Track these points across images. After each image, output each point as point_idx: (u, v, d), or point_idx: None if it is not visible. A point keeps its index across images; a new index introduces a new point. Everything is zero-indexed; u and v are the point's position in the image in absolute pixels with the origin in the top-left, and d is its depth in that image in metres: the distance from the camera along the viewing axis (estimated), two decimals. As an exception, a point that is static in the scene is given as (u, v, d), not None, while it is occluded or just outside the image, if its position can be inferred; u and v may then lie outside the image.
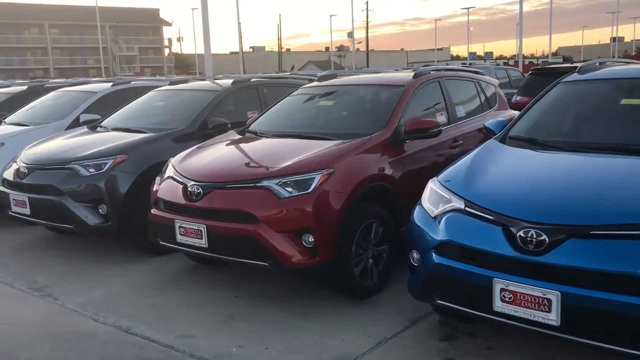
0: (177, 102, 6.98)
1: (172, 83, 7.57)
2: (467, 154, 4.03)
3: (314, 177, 4.18)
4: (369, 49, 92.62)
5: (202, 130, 6.24)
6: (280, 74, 8.48)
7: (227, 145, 5.19)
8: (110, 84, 8.48)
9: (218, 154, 4.93)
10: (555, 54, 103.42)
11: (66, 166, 5.57)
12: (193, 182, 4.44)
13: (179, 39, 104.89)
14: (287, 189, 4.16)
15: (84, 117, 7.58)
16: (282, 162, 4.37)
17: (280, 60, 74.56)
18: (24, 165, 5.80)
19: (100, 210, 5.44)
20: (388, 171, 4.63)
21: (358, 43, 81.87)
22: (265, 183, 4.20)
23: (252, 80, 7.15)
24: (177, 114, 6.66)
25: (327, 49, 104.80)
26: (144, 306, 4.55)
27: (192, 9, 63.75)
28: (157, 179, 5.00)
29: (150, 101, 7.12)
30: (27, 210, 5.65)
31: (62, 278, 5.25)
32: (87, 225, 5.44)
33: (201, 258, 4.97)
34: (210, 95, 6.65)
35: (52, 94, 8.69)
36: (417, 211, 3.64)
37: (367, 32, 72.83)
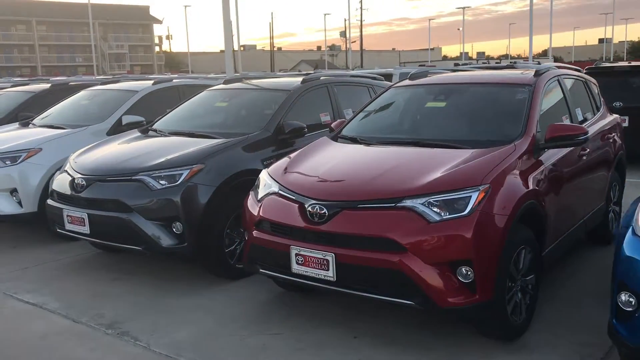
0: (243, 103, 6.20)
1: (226, 82, 6.78)
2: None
3: (470, 196, 3.44)
4: (365, 48, 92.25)
5: (277, 135, 5.48)
6: (340, 72, 7.64)
7: (337, 153, 4.45)
8: (151, 82, 7.66)
9: (333, 163, 4.20)
10: (544, 54, 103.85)
11: (133, 178, 4.75)
12: (313, 201, 3.70)
13: (168, 37, 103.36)
14: (435, 209, 3.42)
15: (126, 119, 6.79)
16: (422, 176, 3.64)
17: (272, 59, 73.74)
18: (81, 176, 4.97)
19: (174, 229, 4.65)
20: (537, 186, 3.91)
21: (353, 42, 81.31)
22: (407, 203, 3.47)
23: (322, 77, 6.38)
24: (245, 117, 5.89)
25: (319, 48, 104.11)
26: (249, 350, 3.77)
27: (185, 6, 62.72)
28: (252, 193, 4.24)
29: (210, 102, 6.33)
30: (85, 229, 4.84)
31: (132, 310, 4.45)
32: (160, 247, 4.64)
33: (292, 285, 4.33)
34: (282, 95, 5.88)
35: (84, 93, 7.84)
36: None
37: (361, 32, 71.90)
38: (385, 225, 3.44)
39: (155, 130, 5.98)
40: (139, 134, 5.94)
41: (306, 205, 3.70)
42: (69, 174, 5.15)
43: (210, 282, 4.94)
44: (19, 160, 6.06)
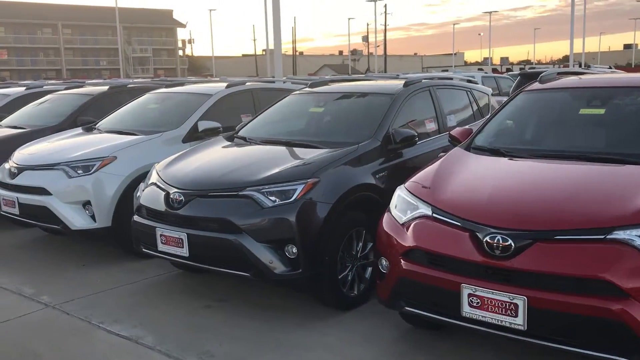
0: (342, 109, 5.60)
1: (313, 85, 6.15)
2: (433, 162, 4.03)
3: None
4: (376, 54, 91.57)
5: (386, 145, 4.86)
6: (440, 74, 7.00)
7: (493, 169, 3.85)
8: (224, 85, 7.08)
9: (495, 182, 3.59)
10: (565, 60, 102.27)
11: (240, 193, 4.15)
12: (493, 230, 3.05)
13: (189, 41, 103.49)
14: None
15: (203, 125, 6.21)
16: (624, 202, 3.01)
17: (294, 64, 73.32)
18: (177, 190, 4.38)
19: (287, 254, 4.03)
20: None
21: (377, 47, 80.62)
22: (620, 235, 2.82)
23: (424, 80, 5.75)
24: (349, 123, 5.27)
25: (340, 52, 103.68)
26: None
27: (210, 10, 62.61)
28: (390, 215, 3.62)
29: (302, 107, 5.73)
30: (183, 251, 4.24)
31: (242, 348, 3.84)
32: (272, 273, 4.02)
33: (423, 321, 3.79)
34: (386, 100, 5.26)
35: (151, 96, 7.28)
36: (385, 218, 3.67)
37: (385, 36, 71.24)
38: (595, 263, 2.79)
39: (243, 139, 5.39)
40: (228, 142, 5.35)
41: (480, 235, 3.06)
42: (159, 187, 4.56)
43: (317, 312, 4.33)
44: (92, 170, 5.51)
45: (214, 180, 4.36)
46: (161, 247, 4.40)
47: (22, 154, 6.03)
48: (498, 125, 4.49)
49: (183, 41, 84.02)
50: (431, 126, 5.56)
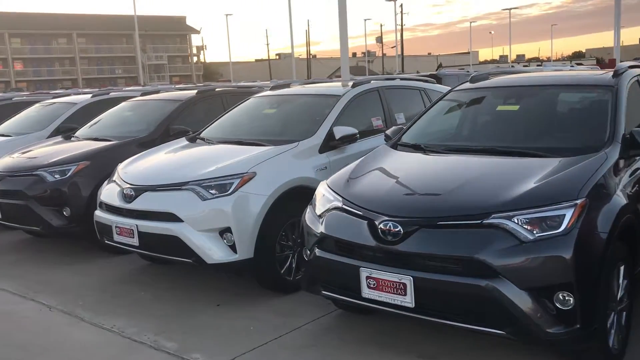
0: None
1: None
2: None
3: None
4: (397, 54, 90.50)
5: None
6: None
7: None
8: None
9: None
10: (582, 56, 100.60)
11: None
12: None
13: (202, 47, 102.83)
14: None
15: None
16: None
17: (309, 67, 72.49)
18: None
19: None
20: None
21: (392, 47, 79.55)
22: None
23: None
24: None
25: (354, 54, 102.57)
26: None
27: (226, 15, 61.66)
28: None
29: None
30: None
31: None
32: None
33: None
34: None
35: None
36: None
37: (402, 37, 70.16)
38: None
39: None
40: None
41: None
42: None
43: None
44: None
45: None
46: (116, 237, 4.80)
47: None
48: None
49: (197, 47, 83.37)
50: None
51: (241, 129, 5.92)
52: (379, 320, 4.12)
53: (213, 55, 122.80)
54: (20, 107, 9.82)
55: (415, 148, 4.26)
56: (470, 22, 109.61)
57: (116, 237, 4.83)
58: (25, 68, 66.94)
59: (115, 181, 5.09)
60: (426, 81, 7.03)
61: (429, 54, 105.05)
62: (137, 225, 4.64)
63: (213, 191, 4.52)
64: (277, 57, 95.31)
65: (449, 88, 7.47)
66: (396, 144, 4.42)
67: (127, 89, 11.76)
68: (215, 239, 4.46)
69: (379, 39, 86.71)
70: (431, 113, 4.82)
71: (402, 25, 70.85)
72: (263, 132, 5.72)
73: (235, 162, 4.75)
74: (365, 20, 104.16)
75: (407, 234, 3.19)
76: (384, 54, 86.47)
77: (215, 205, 4.46)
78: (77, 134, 7.29)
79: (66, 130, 7.82)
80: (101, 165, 6.07)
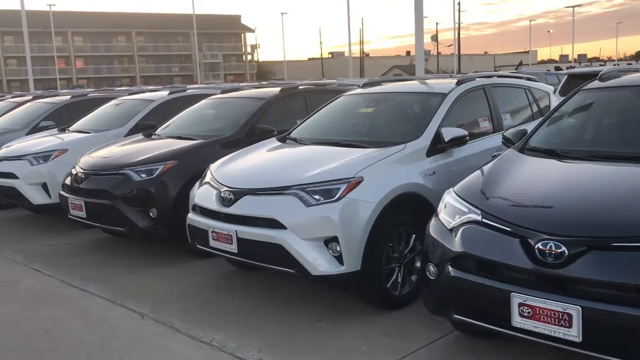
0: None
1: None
2: (485, 164, 3.88)
3: None
4: (454, 52, 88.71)
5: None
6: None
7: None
8: (453, 81, 5.62)
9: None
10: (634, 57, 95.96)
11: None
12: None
13: (255, 46, 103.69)
14: None
15: (449, 133, 4.79)
16: None
17: (362, 66, 71.88)
18: (554, 237, 2.87)
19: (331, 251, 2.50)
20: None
21: (449, 46, 78.06)
22: None
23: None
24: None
25: (407, 53, 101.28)
26: None
27: (282, 14, 61.92)
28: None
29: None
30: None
31: None
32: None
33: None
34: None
35: (356, 98, 5.90)
36: (432, 223, 3.57)
37: (459, 35, 68.49)
38: None
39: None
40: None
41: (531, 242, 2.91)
42: (487, 224, 3.15)
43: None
44: (336, 195, 4.14)
45: (263, 179, 4.45)
46: (212, 243, 4.44)
47: (232, 174, 4.76)
48: (555, 126, 4.36)
49: (252, 46, 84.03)
50: (485, 125, 5.36)
51: (335, 129, 5.59)
52: (504, 345, 3.68)
53: (265, 54, 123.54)
54: (95, 103, 9.75)
55: (548, 153, 3.88)
56: (530, 21, 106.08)
57: (212, 243, 4.55)
58: (85, 66, 68.95)
59: (209, 183, 4.82)
60: (529, 79, 6.50)
61: (485, 52, 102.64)
62: (236, 230, 4.34)
63: (317, 197, 4.18)
64: (330, 55, 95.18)
65: (552, 87, 7.02)
66: (523, 149, 4.02)
67: (191, 87, 11.61)
68: (320, 248, 4.11)
69: (434, 37, 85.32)
70: (559, 114, 4.42)
71: (459, 24, 69.25)
72: (361, 133, 5.37)
73: (340, 166, 4.39)
74: (424, 17, 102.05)
75: (573, 257, 2.77)
76: (439, 53, 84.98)
77: (321, 212, 4.12)
78: (158, 131, 7.11)
79: (145, 128, 7.67)
80: (188, 165, 5.85)
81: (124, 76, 70.11)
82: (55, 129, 8.75)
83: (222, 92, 7.79)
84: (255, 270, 5.24)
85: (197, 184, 5.10)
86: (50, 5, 52.33)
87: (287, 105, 7.00)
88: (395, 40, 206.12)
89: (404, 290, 4.45)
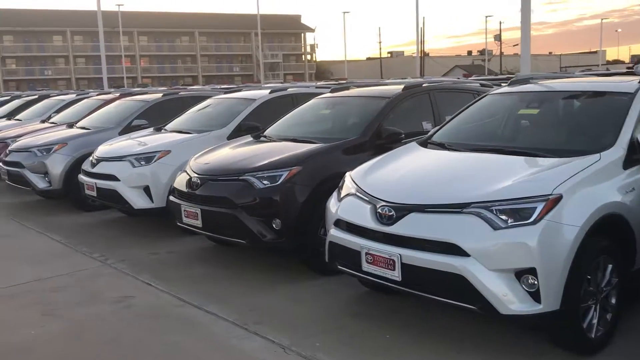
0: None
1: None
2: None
3: None
4: (516, 53, 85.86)
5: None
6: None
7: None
8: (637, 79, 4.76)
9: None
10: None
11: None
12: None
13: (314, 46, 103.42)
14: None
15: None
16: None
17: (422, 65, 70.35)
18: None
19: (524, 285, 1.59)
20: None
21: (514, 45, 75.53)
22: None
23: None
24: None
25: (469, 52, 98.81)
26: None
27: (344, 13, 61.30)
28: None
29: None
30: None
31: None
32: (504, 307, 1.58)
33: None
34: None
35: (511, 98, 5.13)
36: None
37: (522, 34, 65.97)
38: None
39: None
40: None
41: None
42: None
43: None
44: (532, 217, 3.37)
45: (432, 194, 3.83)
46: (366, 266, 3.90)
47: (388, 185, 4.07)
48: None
49: (311, 46, 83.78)
50: None
51: (494, 133, 4.87)
52: None
53: (322, 53, 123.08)
54: (187, 102, 9.33)
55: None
56: (602, 20, 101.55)
57: (366, 266, 3.88)
58: (150, 64, 70.30)
59: (356, 195, 4.15)
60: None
61: (550, 53, 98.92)
62: (400, 254, 3.65)
63: (506, 217, 3.44)
64: (389, 55, 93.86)
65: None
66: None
67: (291, 86, 11.04)
68: (511, 282, 3.37)
69: (497, 37, 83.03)
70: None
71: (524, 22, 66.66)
72: (532, 139, 4.65)
73: (531, 180, 3.63)
74: (486, 17, 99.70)
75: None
76: (501, 53, 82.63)
77: (514, 237, 3.37)
78: (267, 133, 6.53)
79: (249, 129, 7.13)
80: (314, 171, 5.23)
81: (187, 75, 71.05)
82: (151, 129, 8.33)
83: (332, 91, 7.15)
84: (394, 294, 4.54)
85: (335, 195, 4.46)
86: (119, 5, 53.41)
87: (412, 104, 6.30)
88: (451, 40, 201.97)
89: (599, 332, 3.67)
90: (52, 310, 4.74)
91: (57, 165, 8.33)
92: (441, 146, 4.72)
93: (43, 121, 11.83)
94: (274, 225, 5.07)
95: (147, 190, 6.77)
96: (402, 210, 3.74)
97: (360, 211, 4.00)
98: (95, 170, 7.20)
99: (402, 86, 6.45)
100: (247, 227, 5.08)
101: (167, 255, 6.28)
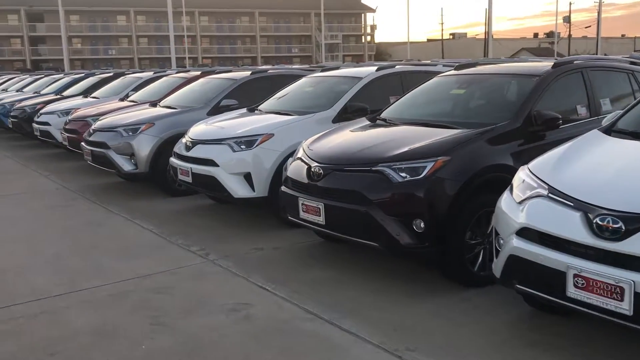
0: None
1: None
2: (564, 143, 3.86)
3: None
4: (585, 35, 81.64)
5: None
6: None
7: None
8: None
9: None
10: None
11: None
12: None
13: (372, 27, 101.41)
14: None
15: None
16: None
17: (486, 47, 67.70)
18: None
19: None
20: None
21: (586, 27, 71.78)
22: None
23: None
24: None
25: (535, 35, 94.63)
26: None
27: (407, -7, 59.30)
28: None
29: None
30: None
31: None
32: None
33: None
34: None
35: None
36: (504, 197, 3.63)
37: (599, 15, 62.38)
38: None
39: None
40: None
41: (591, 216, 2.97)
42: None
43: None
44: None
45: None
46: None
47: (603, 187, 3.17)
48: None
49: (372, 27, 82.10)
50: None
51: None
52: None
53: (381, 34, 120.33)
54: (276, 81, 8.53)
55: (635, 136, 3.75)
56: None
57: (573, 292, 2.99)
58: (210, 45, 70.46)
59: (551, 197, 3.26)
60: None
61: (623, 35, 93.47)
62: (634, 282, 2.76)
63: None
64: (451, 36, 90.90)
65: None
66: (609, 130, 3.93)
67: (400, 63, 10.23)
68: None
69: (566, 19, 79.20)
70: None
71: (600, 2, 63.20)
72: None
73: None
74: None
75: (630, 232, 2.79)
76: (570, 35, 78.80)
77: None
78: (386, 116, 5.68)
79: (358, 110, 6.33)
80: (464, 163, 4.36)
81: (246, 56, 70.95)
82: (243, 109, 7.63)
83: (456, 68, 6.21)
84: (565, 314, 3.65)
85: (508, 194, 3.59)
86: (182, -16, 53.34)
87: (564, 85, 5.30)
88: (513, 22, 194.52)
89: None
90: (160, 318, 4.09)
91: (144, 146, 7.76)
92: (633, 135, 3.78)
93: (122, 99, 11.38)
94: (414, 227, 4.24)
95: (248, 177, 6.06)
96: (636, 223, 2.83)
97: (564, 220, 3.11)
98: (191, 154, 6.54)
99: (551, 63, 5.45)
100: (383, 228, 4.26)
101: (273, 251, 5.57)
